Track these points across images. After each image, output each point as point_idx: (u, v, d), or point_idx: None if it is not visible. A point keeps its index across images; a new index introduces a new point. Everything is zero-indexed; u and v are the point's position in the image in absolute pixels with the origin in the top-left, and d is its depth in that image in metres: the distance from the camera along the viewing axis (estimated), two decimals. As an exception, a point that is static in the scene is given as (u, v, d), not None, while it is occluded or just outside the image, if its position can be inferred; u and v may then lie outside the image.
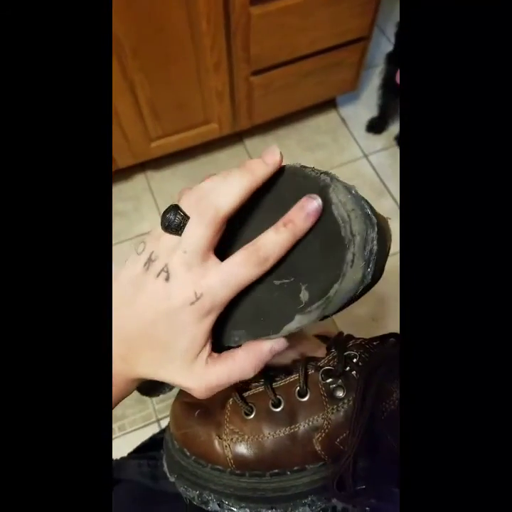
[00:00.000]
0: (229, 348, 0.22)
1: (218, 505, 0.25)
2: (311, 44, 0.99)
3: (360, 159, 1.22)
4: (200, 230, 0.18)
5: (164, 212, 0.20)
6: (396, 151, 1.23)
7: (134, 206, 1.16)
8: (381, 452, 0.23)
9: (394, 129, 1.26)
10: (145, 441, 0.35)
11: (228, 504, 0.25)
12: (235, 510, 0.25)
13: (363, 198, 0.20)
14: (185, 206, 0.19)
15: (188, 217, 0.19)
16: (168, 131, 1.06)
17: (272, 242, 0.19)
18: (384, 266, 0.21)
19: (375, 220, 0.19)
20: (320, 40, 0.99)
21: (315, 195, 0.19)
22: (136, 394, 0.25)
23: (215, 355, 0.21)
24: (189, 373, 0.20)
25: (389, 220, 0.22)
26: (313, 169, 0.20)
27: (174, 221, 0.19)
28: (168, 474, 0.27)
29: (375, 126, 1.24)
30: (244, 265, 0.19)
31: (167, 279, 0.19)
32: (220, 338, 0.22)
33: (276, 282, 0.20)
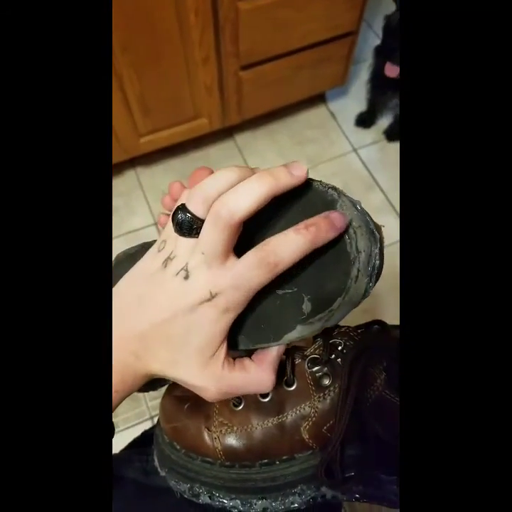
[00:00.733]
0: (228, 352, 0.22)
1: (209, 497, 0.26)
2: (301, 38, 0.99)
3: (350, 153, 1.22)
4: (215, 234, 0.18)
5: (173, 215, 0.19)
6: (385, 145, 1.23)
7: (124, 202, 1.15)
8: (368, 439, 0.24)
9: (383, 123, 1.26)
10: (136, 438, 0.35)
11: (219, 496, 0.25)
12: (225, 501, 0.25)
13: (367, 213, 0.20)
14: (195, 205, 0.19)
15: (198, 217, 0.19)
16: (158, 126, 1.05)
17: (289, 242, 0.18)
18: (380, 275, 0.21)
19: (378, 236, 0.20)
20: (309, 34, 0.99)
21: (345, 213, 0.19)
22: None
23: (232, 360, 0.21)
24: (204, 372, 0.20)
25: (383, 228, 0.22)
26: (320, 183, 0.20)
27: (184, 223, 0.19)
28: (158, 469, 0.27)
29: (364, 121, 1.25)
30: (256, 267, 0.18)
31: (186, 277, 0.19)
32: None
33: (279, 292, 0.20)
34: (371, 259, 0.19)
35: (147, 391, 0.28)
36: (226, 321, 0.19)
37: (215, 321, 0.19)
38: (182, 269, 0.19)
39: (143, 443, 0.34)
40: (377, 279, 0.20)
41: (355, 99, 1.29)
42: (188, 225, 0.19)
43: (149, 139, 1.07)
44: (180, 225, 0.19)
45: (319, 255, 0.20)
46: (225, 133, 1.22)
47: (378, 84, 1.13)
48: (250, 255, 0.19)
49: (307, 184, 0.20)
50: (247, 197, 0.18)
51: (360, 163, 1.20)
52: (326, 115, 1.28)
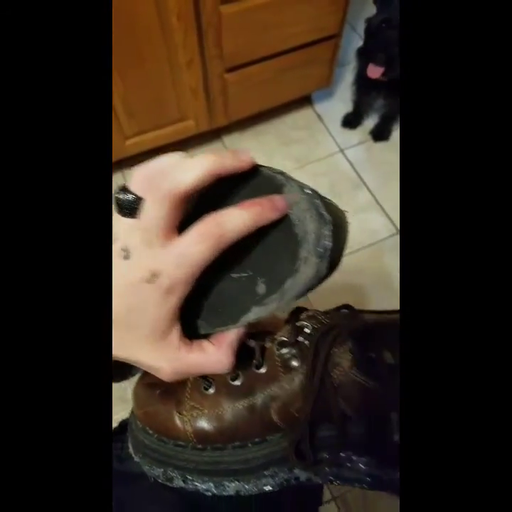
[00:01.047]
0: (189, 337, 0.22)
1: (182, 481, 0.26)
2: (285, 41, 1.00)
3: (337, 154, 1.23)
4: (155, 209, 0.18)
5: (115, 196, 0.19)
6: (371, 145, 1.25)
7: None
8: (337, 420, 0.24)
9: (369, 123, 1.28)
10: (115, 428, 0.35)
11: (192, 479, 0.26)
12: (198, 484, 0.26)
13: (317, 196, 0.21)
14: (136, 184, 0.19)
15: (140, 197, 0.18)
16: (144, 128, 1.05)
17: (232, 216, 0.18)
18: (340, 258, 0.22)
19: (328, 218, 0.20)
20: (293, 37, 1.00)
21: (288, 197, 0.20)
22: (119, 392, 0.24)
23: (189, 341, 0.21)
24: (158, 354, 0.20)
25: (347, 213, 0.23)
26: (269, 169, 0.21)
27: (125, 203, 0.18)
28: (133, 454, 0.27)
29: (351, 122, 1.26)
30: (200, 241, 0.18)
31: (126, 257, 0.18)
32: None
33: (234, 276, 0.21)
34: (321, 240, 0.20)
35: (119, 381, 0.28)
36: (172, 303, 0.19)
37: (159, 304, 0.18)
38: (122, 249, 0.18)
39: (120, 432, 0.34)
40: (333, 261, 0.21)
41: (341, 101, 1.31)
42: (129, 205, 0.18)
43: (135, 141, 1.07)
44: (121, 206, 0.18)
45: (270, 239, 0.20)
46: (212, 134, 1.23)
47: (363, 85, 1.15)
48: (193, 230, 0.18)
49: (256, 170, 0.21)
50: (190, 172, 0.17)
51: (347, 164, 1.22)
52: (313, 117, 1.30)
